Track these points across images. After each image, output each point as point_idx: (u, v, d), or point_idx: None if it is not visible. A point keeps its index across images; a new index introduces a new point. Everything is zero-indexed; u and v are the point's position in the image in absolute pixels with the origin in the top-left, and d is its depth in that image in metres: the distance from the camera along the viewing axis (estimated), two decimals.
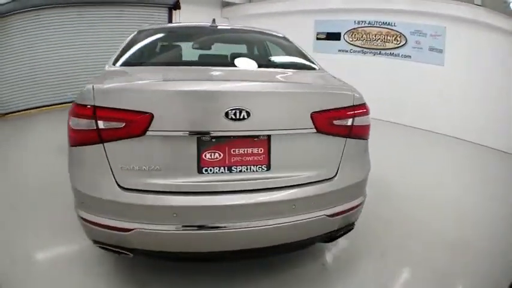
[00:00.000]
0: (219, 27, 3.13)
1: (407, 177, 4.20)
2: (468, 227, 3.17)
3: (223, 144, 1.84)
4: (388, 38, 6.77)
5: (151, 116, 1.73)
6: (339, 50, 7.65)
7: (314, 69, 2.60)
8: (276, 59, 3.05)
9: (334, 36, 7.73)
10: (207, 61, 2.89)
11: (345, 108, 2.03)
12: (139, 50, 2.59)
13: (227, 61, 2.74)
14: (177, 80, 2.03)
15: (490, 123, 5.54)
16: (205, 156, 1.82)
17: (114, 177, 1.78)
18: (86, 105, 1.76)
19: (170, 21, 8.59)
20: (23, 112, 6.82)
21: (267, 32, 3.28)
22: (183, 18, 8.69)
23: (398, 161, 4.76)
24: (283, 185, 1.92)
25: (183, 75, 2.18)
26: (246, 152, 1.88)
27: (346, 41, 7.48)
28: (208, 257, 2.08)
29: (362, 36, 7.21)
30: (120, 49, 2.54)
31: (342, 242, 2.71)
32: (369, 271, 2.48)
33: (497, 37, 5.33)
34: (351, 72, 6.98)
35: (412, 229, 3.04)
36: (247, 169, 1.89)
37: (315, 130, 1.93)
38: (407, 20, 6.41)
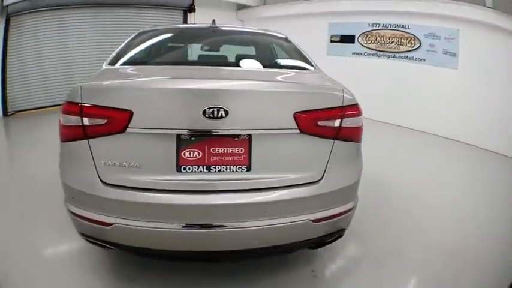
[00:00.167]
0: (218, 27, 3.15)
1: (434, 189, 4.04)
2: (470, 231, 3.14)
3: (202, 143, 1.84)
4: (402, 40, 6.71)
5: (131, 114, 1.77)
6: (353, 53, 7.61)
7: (309, 69, 2.55)
8: (270, 58, 3.00)
9: (348, 39, 7.70)
10: (198, 60, 2.92)
11: (331, 108, 1.95)
12: (135, 50, 2.63)
13: (218, 60, 2.78)
14: (158, 78, 2.05)
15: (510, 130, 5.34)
16: (184, 154, 1.83)
17: (97, 173, 1.84)
18: (73, 103, 1.84)
19: (185, 23, 8.71)
20: (35, 110, 7.03)
21: (267, 32, 3.30)
22: (198, 20, 8.80)
23: (421, 173, 4.56)
24: (264, 187, 1.88)
25: (167, 73, 2.20)
26: (225, 152, 1.86)
27: (360, 44, 7.44)
28: (186, 256, 2.08)
29: (376, 39, 7.16)
30: (117, 49, 2.60)
31: (336, 245, 2.60)
32: (363, 279, 2.43)
33: (510, 40, 5.23)
34: (366, 76, 7.00)
35: (411, 229, 3.04)
36: (226, 169, 1.86)
37: (298, 131, 1.88)
38: (421, 23, 6.35)
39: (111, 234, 1.87)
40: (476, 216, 3.43)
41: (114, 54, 2.53)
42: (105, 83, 1.99)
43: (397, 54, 6.83)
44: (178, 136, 1.81)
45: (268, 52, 3.12)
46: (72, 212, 1.94)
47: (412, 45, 6.56)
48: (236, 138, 1.86)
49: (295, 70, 2.54)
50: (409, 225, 3.14)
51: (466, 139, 5.83)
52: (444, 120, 6.17)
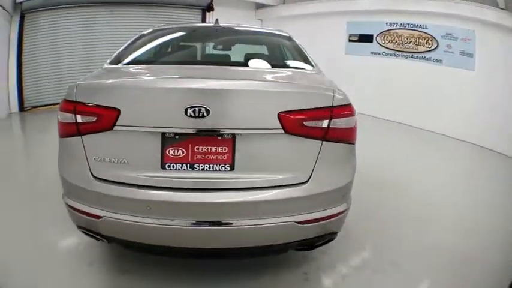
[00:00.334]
0: (221, 27, 3.18)
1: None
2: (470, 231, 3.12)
3: (186, 142, 1.87)
4: (420, 41, 6.58)
5: (119, 112, 1.83)
6: (371, 53, 7.51)
7: (305, 69, 2.53)
8: (266, 58, 2.97)
9: (366, 39, 7.62)
10: (194, 60, 2.95)
11: (319, 109, 1.91)
12: (135, 49, 2.69)
13: (214, 60, 2.81)
14: (144, 77, 2.12)
15: None
16: (168, 152, 1.87)
17: (89, 167, 1.92)
18: (69, 101, 1.95)
19: (204, 22, 8.81)
20: (51, 106, 7.21)
21: (270, 31, 3.32)
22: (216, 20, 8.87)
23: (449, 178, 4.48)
24: (247, 187, 1.88)
25: (157, 72, 2.25)
26: (209, 151, 1.87)
27: (379, 43, 7.34)
28: (170, 252, 2.13)
29: (394, 39, 7.06)
30: (121, 49, 2.68)
31: (330, 247, 2.59)
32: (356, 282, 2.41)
33: None
34: (386, 77, 6.89)
35: (410, 229, 3.03)
36: (209, 168, 1.88)
37: (282, 131, 1.86)
38: (437, 23, 6.22)
39: (101, 227, 1.95)
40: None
41: (116, 53, 2.61)
42: (97, 81, 2.08)
43: (415, 55, 6.71)
44: (163, 134, 1.86)
45: (267, 51, 3.13)
46: (68, 205, 2.04)
47: (430, 46, 6.43)
48: (219, 137, 1.87)
49: (289, 69, 2.52)
50: (408, 226, 3.13)
51: (484, 144, 5.67)
52: (465, 123, 5.99)
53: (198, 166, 1.88)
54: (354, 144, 2.12)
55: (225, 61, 2.73)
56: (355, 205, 2.26)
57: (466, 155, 5.58)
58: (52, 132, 2.34)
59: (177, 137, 1.86)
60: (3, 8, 6.08)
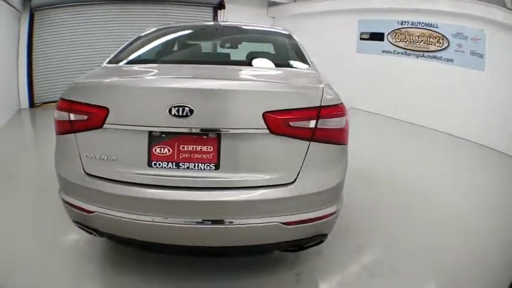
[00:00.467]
0: (221, 25, 3.22)
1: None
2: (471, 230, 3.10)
3: (172, 140, 1.89)
4: (431, 40, 6.48)
5: (108, 110, 1.88)
6: (383, 51, 7.42)
7: (300, 68, 2.52)
8: (261, 56, 2.90)
9: (377, 37, 7.55)
10: (187, 59, 2.94)
11: (305, 109, 1.89)
12: (133, 49, 2.73)
13: (208, 59, 2.83)
14: (131, 76, 2.17)
15: None
16: (155, 150, 1.89)
17: (82, 164, 1.98)
18: (64, 100, 2.02)
19: (215, 20, 8.85)
20: None
21: (270, 30, 3.36)
22: (228, 17, 8.91)
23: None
24: (232, 186, 1.88)
25: (148, 72, 2.29)
26: (194, 149, 1.88)
27: (390, 42, 7.26)
28: (156, 248, 2.15)
29: (405, 37, 6.97)
30: (119, 48, 2.72)
31: (327, 247, 2.57)
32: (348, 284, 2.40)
33: None
34: (398, 76, 6.79)
35: (410, 229, 3.01)
36: (195, 166, 1.89)
37: (268, 131, 1.84)
38: (448, 22, 6.11)
39: (93, 221, 2.01)
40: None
41: (115, 53, 2.66)
42: (89, 81, 2.14)
43: (426, 54, 6.61)
44: (150, 133, 1.88)
45: (262, 50, 3.10)
46: (63, 200, 2.10)
47: (441, 45, 6.33)
48: (204, 137, 1.88)
49: (281, 68, 2.51)
50: (409, 226, 3.11)
51: (496, 146, 5.51)
52: (477, 124, 5.81)
53: (184, 165, 1.89)
54: (345, 144, 2.09)
55: (216, 60, 2.75)
56: (357, 204, 2.22)
57: (479, 159, 5.40)
58: None
59: (163, 135, 1.89)
60: (11, 5, 6.20)
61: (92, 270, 2.41)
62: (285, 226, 1.90)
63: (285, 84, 2.10)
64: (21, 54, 7.25)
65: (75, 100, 1.97)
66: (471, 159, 5.25)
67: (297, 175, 1.90)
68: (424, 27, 6.58)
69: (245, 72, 2.34)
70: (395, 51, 7.19)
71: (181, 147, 1.89)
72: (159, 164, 1.89)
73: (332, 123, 1.93)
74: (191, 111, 1.80)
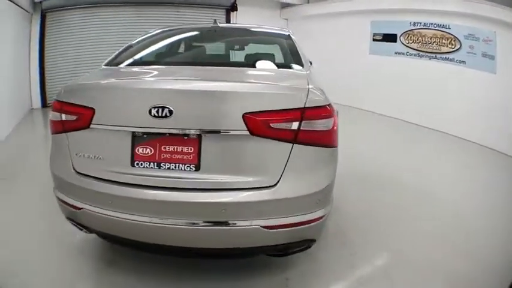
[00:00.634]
0: (219, 27, 3.21)
1: None
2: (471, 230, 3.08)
3: (154, 141, 1.91)
4: (443, 41, 6.33)
5: (94, 111, 1.94)
6: (396, 53, 7.30)
7: (292, 69, 2.48)
8: (251, 57, 2.91)
9: (390, 38, 7.42)
10: (178, 61, 3.00)
11: (287, 110, 1.85)
12: (130, 52, 2.78)
13: (194, 61, 2.85)
14: (116, 78, 2.23)
15: None
16: (138, 150, 1.92)
17: (72, 162, 2.06)
18: (57, 101, 2.11)
19: (228, 22, 8.91)
20: None
21: (269, 31, 3.33)
22: (241, 19, 8.95)
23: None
24: (212, 188, 1.87)
25: (132, 73, 2.36)
26: (175, 150, 1.90)
27: (403, 43, 7.12)
28: (138, 246, 2.17)
29: (418, 39, 6.82)
30: (117, 51, 2.78)
31: (320, 251, 2.59)
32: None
33: None
34: (415, 78, 6.65)
35: (409, 229, 3.00)
36: (175, 167, 1.90)
37: (248, 132, 1.82)
38: (460, 23, 5.95)
39: (81, 218, 2.08)
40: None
41: (113, 54, 2.73)
42: (79, 83, 2.21)
43: (438, 55, 6.45)
44: (133, 133, 1.92)
45: (257, 51, 3.08)
46: (57, 197, 2.18)
47: (453, 47, 6.16)
48: (185, 138, 1.88)
49: (270, 69, 2.48)
50: (409, 225, 3.09)
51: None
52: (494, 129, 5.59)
53: (165, 165, 1.91)
54: (333, 147, 2.04)
55: (206, 62, 2.76)
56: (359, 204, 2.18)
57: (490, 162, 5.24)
58: None
59: (145, 136, 1.91)
60: (20, 6, 6.27)
61: (91, 269, 2.45)
62: (266, 230, 1.86)
63: (267, 85, 2.06)
64: (32, 54, 7.40)
65: (66, 101, 2.06)
66: (492, 169, 4.95)
67: (279, 178, 1.86)
68: (436, 28, 6.43)
69: (229, 73, 2.33)
70: (408, 52, 7.06)
71: (162, 147, 1.91)
72: (142, 164, 1.92)
73: (317, 125, 1.89)
74: (171, 112, 1.81)
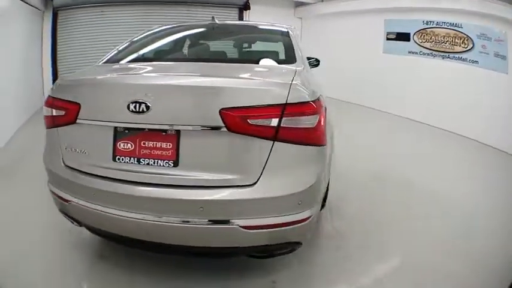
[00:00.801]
0: (216, 24, 3.22)
1: None
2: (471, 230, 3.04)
3: (134, 136, 1.91)
4: (456, 40, 6.20)
5: (79, 106, 1.99)
6: (409, 52, 7.19)
7: (279, 64, 2.41)
8: (240, 53, 2.90)
9: (403, 37, 7.31)
10: (169, 57, 3.02)
11: (266, 106, 1.79)
12: (126, 48, 2.82)
13: (186, 57, 2.90)
14: (103, 74, 2.27)
15: None
16: (119, 145, 1.94)
17: (62, 156, 2.12)
18: (49, 96, 2.17)
19: (240, 20, 8.94)
20: None
21: (265, 27, 3.33)
22: (254, 18, 8.97)
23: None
24: (190, 184, 1.84)
25: (117, 70, 2.41)
26: (154, 146, 1.89)
27: (416, 42, 7.02)
28: (121, 240, 2.17)
29: (431, 38, 6.71)
30: (116, 48, 2.83)
31: (312, 253, 2.57)
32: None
33: None
34: (425, 78, 6.54)
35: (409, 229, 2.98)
36: (154, 163, 1.89)
37: (225, 129, 1.79)
38: (472, 22, 5.81)
39: (70, 210, 2.15)
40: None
41: (111, 51, 2.78)
42: (68, 79, 2.26)
43: (451, 55, 6.32)
44: (115, 128, 1.94)
45: (247, 47, 3.12)
46: (50, 190, 2.24)
47: (466, 46, 6.03)
48: (164, 133, 1.86)
49: (256, 65, 2.44)
50: (408, 225, 3.08)
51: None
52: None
53: (144, 160, 1.90)
54: (320, 145, 1.96)
55: (194, 58, 2.80)
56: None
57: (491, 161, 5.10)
58: None
59: (126, 131, 1.92)
60: (30, 4, 6.32)
61: (89, 268, 2.48)
62: (244, 230, 1.81)
63: (246, 80, 2.01)
64: (45, 51, 7.50)
65: (56, 97, 2.13)
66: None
67: (259, 176, 1.81)
68: (449, 27, 6.30)
69: (213, 68, 2.31)
70: (421, 52, 6.94)
71: (142, 143, 1.91)
72: (122, 159, 1.94)
73: (301, 122, 1.82)
74: (147, 107, 1.81)
